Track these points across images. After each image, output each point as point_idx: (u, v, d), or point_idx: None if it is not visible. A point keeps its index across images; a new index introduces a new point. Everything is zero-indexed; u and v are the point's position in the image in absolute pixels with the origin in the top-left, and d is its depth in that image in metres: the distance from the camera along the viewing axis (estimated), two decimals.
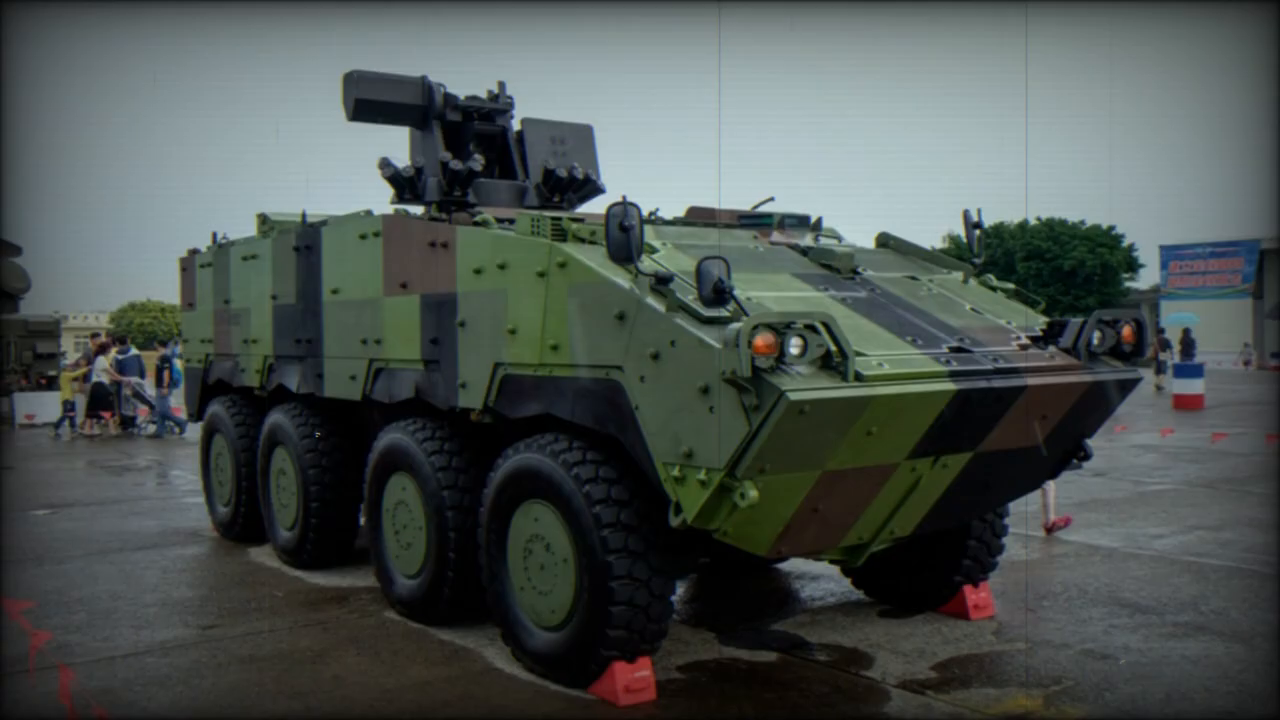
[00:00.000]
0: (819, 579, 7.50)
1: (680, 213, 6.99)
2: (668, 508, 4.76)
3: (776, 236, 6.38)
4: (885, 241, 6.76)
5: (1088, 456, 5.90)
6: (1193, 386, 22.73)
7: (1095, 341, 5.52)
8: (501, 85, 8.17)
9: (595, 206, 8.07)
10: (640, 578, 4.94)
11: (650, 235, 5.54)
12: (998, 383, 4.92)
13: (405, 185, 7.18)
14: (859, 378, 4.46)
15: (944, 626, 6.28)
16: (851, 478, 4.83)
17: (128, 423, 20.16)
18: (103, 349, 20.61)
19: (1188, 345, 31.80)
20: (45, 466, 15.13)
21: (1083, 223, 52.42)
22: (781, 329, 4.31)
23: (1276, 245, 47.39)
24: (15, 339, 24.65)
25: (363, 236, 6.87)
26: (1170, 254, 51.61)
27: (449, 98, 7.83)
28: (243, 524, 8.95)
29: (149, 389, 20.51)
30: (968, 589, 6.42)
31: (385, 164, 7.14)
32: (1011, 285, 6.37)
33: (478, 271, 5.75)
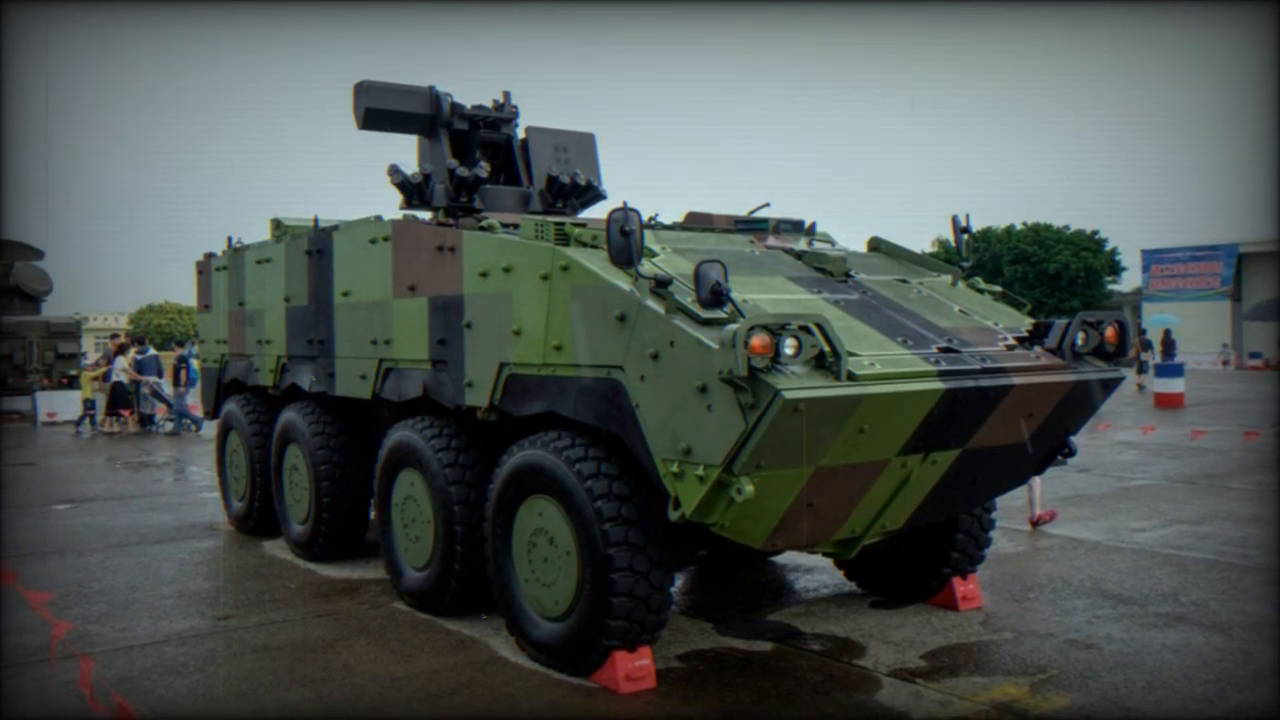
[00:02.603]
0: (813, 571, 7.50)
1: (679, 218, 6.99)
2: (667, 502, 4.76)
3: (772, 241, 6.38)
4: (876, 246, 6.76)
5: (1072, 453, 5.90)
6: (1173, 386, 22.73)
7: (1079, 342, 5.52)
8: (507, 95, 8.17)
9: (597, 212, 8.08)
10: (640, 570, 4.94)
11: (650, 240, 5.54)
12: (985, 382, 4.92)
13: (414, 191, 7.18)
14: (851, 377, 4.45)
15: (933, 617, 6.28)
16: (844, 474, 4.83)
17: (146, 420, 20.17)
18: (122, 349, 20.63)
19: (1168, 346, 31.77)
20: (66, 463, 15.14)
21: (1067, 228, 52.38)
22: (776, 330, 4.31)
23: (1254, 249, 47.40)
24: (37, 339, 24.66)
25: (373, 241, 6.87)
26: (1151, 258, 51.56)
27: (456, 107, 7.83)
28: (257, 518, 8.96)
29: (167, 388, 20.52)
30: (956, 581, 6.42)
31: (394, 171, 7.14)
32: (998, 288, 6.36)
33: (483, 275, 5.75)
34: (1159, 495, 10.70)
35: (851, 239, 6.95)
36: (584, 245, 5.35)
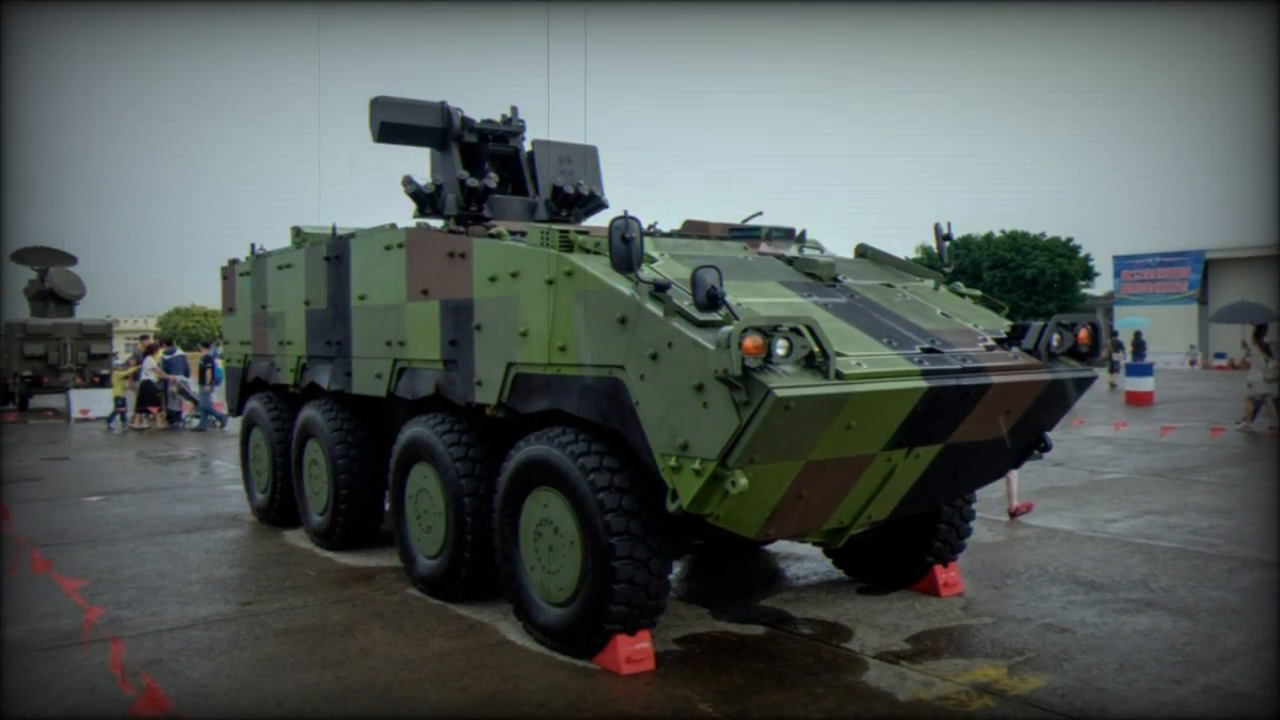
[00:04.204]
0: (803, 559, 7.50)
1: (677, 226, 6.99)
2: (665, 495, 4.76)
3: (764, 247, 6.38)
4: (863, 252, 6.75)
5: (1048, 448, 5.90)
6: (1143, 384, 22.75)
7: (1054, 343, 5.52)
8: (514, 110, 8.17)
9: (599, 220, 8.08)
10: (640, 558, 4.94)
11: (649, 246, 5.54)
12: (966, 381, 4.92)
13: (426, 201, 7.18)
14: (839, 376, 4.46)
15: (917, 603, 6.27)
16: (833, 467, 4.83)
17: (173, 417, 20.16)
18: (151, 350, 20.62)
19: (1139, 347, 31.73)
20: (98, 457, 15.13)
21: (1043, 235, 52.41)
22: (769, 332, 4.31)
23: (1220, 255, 47.44)
24: (71, 341, 24.71)
25: (388, 247, 6.87)
26: (1123, 263, 51.58)
27: (466, 121, 7.83)
28: (278, 509, 8.95)
29: (193, 386, 20.50)
30: (938, 568, 6.42)
31: (408, 181, 7.14)
32: (978, 292, 6.36)
33: (492, 279, 5.75)
34: (1130, 488, 10.70)
35: (839, 246, 6.96)
36: (587, 252, 5.34)
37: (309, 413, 8.15)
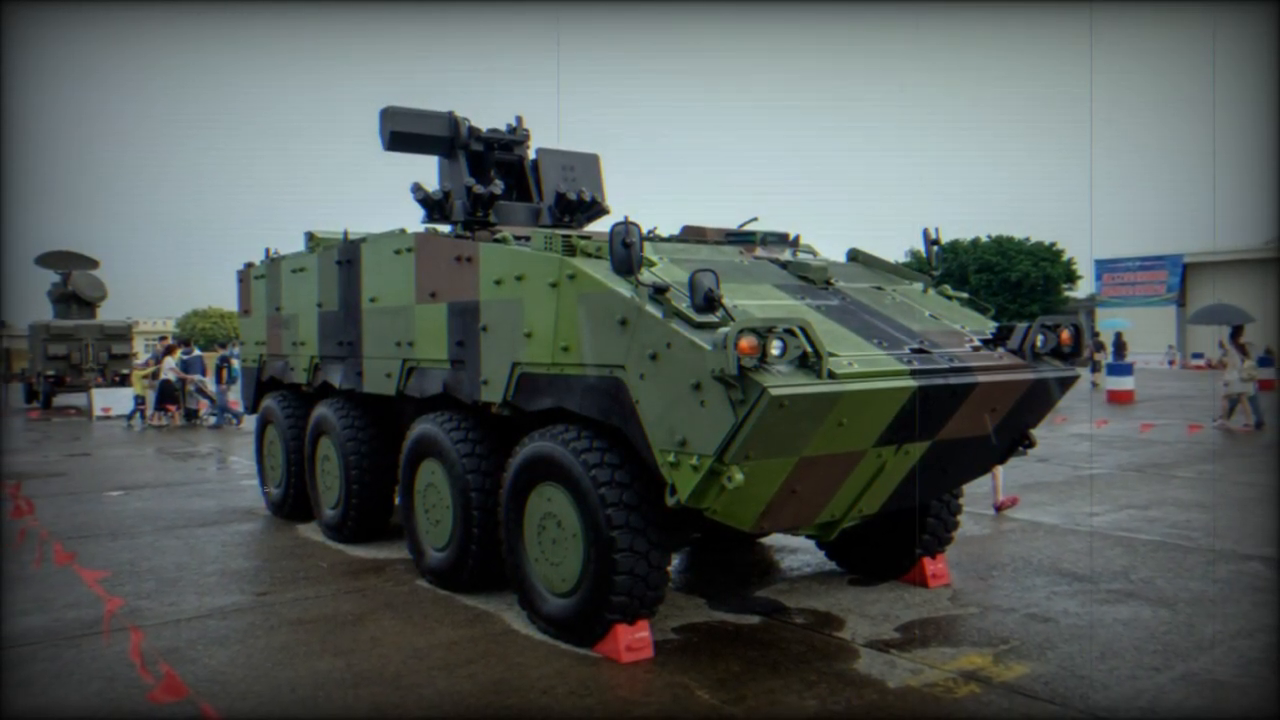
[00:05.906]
0: (796, 552, 7.50)
1: (675, 231, 6.98)
2: (664, 489, 4.76)
3: (760, 252, 6.38)
4: (855, 256, 6.76)
5: (1032, 444, 5.90)
6: (1124, 383, 22.74)
7: (1039, 344, 5.52)
8: (519, 119, 8.17)
9: (601, 226, 8.08)
10: (640, 551, 4.94)
11: (649, 251, 5.54)
12: (953, 380, 4.92)
13: (435, 207, 7.18)
14: (832, 376, 4.46)
15: (906, 593, 6.27)
16: (825, 463, 4.83)
17: (191, 415, 20.15)
18: (169, 350, 20.61)
19: (1119, 347, 31.75)
20: (119, 453, 15.13)
21: (1028, 239, 52.37)
22: (764, 333, 4.31)
23: (1198, 259, 47.45)
24: (93, 341, 24.74)
25: (397, 252, 6.87)
26: (1104, 267, 51.55)
27: (473, 130, 7.83)
28: (292, 504, 8.95)
29: (210, 385, 20.50)
30: (926, 560, 6.42)
31: (417, 188, 7.14)
32: (965, 295, 6.36)
33: (498, 282, 5.75)
34: (1111, 483, 10.70)
35: (832, 250, 6.96)
36: (589, 256, 5.34)
37: (321, 411, 8.15)
